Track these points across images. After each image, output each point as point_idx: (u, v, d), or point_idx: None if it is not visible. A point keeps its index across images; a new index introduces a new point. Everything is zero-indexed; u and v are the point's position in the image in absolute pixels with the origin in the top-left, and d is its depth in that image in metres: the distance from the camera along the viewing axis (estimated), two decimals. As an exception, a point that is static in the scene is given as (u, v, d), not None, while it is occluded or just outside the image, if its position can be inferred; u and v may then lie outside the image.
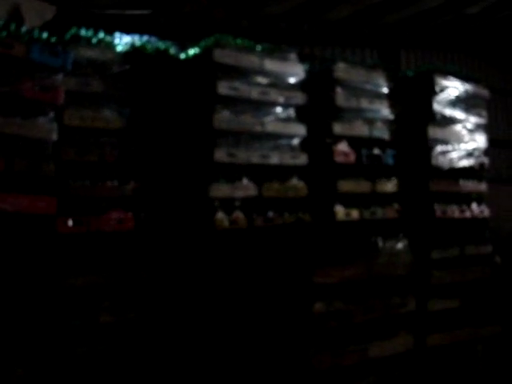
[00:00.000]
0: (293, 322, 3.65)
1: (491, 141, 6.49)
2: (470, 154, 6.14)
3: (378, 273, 3.87)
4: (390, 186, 5.58)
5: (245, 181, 4.72)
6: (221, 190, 4.56)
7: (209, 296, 4.39)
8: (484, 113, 6.32)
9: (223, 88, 4.62)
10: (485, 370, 5.10)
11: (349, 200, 5.25)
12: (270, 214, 4.73)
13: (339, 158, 5.22)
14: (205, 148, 4.58)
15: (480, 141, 6.24)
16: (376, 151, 5.55)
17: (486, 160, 6.34)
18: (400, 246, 4.00)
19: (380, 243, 3.96)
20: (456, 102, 6.00)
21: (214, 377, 4.19)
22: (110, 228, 4.42)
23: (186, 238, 4.61)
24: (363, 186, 5.37)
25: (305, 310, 3.59)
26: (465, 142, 6.08)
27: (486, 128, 6.42)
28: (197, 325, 4.39)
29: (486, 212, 6.22)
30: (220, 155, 4.55)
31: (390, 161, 5.63)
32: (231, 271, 4.22)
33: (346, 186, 5.23)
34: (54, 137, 4.22)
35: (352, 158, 5.32)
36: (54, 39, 4.32)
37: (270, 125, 4.85)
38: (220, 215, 4.53)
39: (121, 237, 4.47)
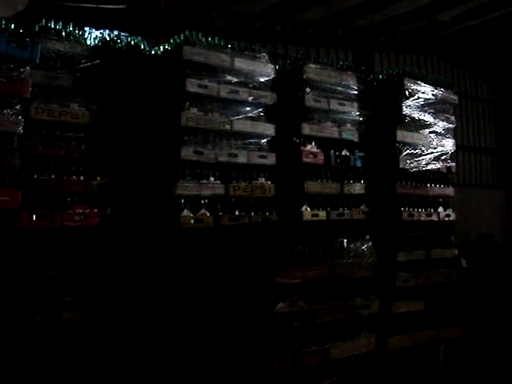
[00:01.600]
0: (254, 322, 3.66)
1: (461, 146, 6.58)
2: (437, 158, 6.19)
3: (341, 274, 3.89)
4: (357, 187, 5.62)
5: (212, 179, 4.71)
6: (187, 187, 4.56)
7: (172, 293, 4.38)
8: (452, 118, 6.39)
9: (192, 85, 4.61)
10: (446, 371, 5.16)
11: (316, 201, 5.28)
12: (237, 213, 4.74)
13: (307, 159, 5.24)
14: (172, 145, 4.57)
15: (448, 145, 6.31)
16: (345, 153, 5.59)
17: (453, 164, 6.40)
18: (365, 247, 4.03)
19: (344, 244, 3.97)
20: (425, 106, 6.05)
21: (174, 375, 4.18)
22: (74, 223, 4.39)
23: (151, 235, 4.59)
24: (331, 188, 5.40)
25: (267, 309, 3.59)
26: (433, 145, 6.14)
27: (455, 132, 6.49)
28: (159, 322, 4.38)
29: (453, 216, 6.28)
30: (187, 153, 4.54)
31: (358, 163, 5.67)
32: (195, 269, 4.22)
33: (313, 186, 5.26)
34: (20, 130, 4.18)
35: (320, 158, 5.35)
36: (22, 31, 4.28)
37: (239, 123, 4.85)
38: (186, 213, 4.53)
39: (85, 232, 4.44)
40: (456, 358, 5.33)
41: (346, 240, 4.05)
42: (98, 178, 4.55)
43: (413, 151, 5.96)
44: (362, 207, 5.62)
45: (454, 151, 6.43)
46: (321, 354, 3.78)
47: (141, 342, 4.42)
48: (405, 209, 5.79)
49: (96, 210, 4.49)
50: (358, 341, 4.01)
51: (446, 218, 6.23)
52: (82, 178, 4.49)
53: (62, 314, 4.25)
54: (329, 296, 3.89)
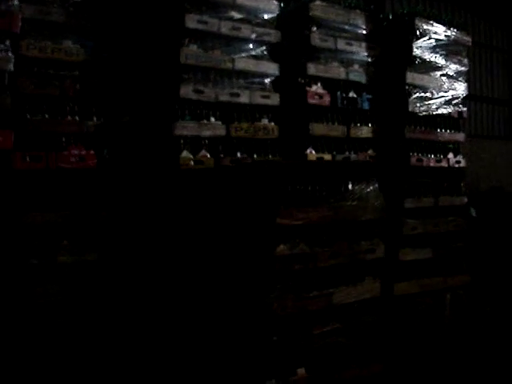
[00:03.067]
0: (254, 265, 3.52)
1: (473, 96, 6.33)
2: (448, 102, 5.96)
3: (345, 216, 3.72)
4: (364, 131, 5.43)
5: (212, 119, 4.53)
6: (187, 128, 4.38)
7: (170, 235, 4.25)
8: (465, 60, 6.13)
9: (191, 21, 4.39)
10: (452, 319, 5.05)
11: (321, 144, 5.10)
12: (238, 155, 4.58)
13: (313, 100, 5.04)
14: (171, 84, 4.37)
15: (460, 89, 6.07)
16: (352, 95, 5.38)
17: (464, 109, 6.17)
18: (370, 189, 3.85)
19: (349, 186, 3.80)
20: (437, 48, 5.80)
21: (170, 318, 4.08)
22: (70, 165, 4.24)
23: (149, 176, 4.44)
24: (337, 130, 5.21)
25: (267, 252, 3.44)
26: (444, 89, 5.91)
27: (467, 76, 6.23)
28: (157, 265, 4.26)
29: (463, 163, 6.09)
30: (186, 91, 4.35)
31: (365, 105, 5.47)
32: (194, 211, 4.07)
33: (318, 129, 5.07)
34: (11, 67, 4.00)
35: (326, 100, 5.14)
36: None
37: (241, 62, 4.64)
38: (185, 154, 4.36)
39: (82, 175, 4.29)
40: (463, 306, 5.21)
41: (351, 182, 3.86)
42: (94, 119, 4.38)
43: (423, 94, 5.74)
44: (369, 151, 5.43)
45: (466, 96, 6.20)
46: (323, 299, 3.65)
47: (138, 286, 4.31)
48: (413, 154, 5.60)
49: (92, 152, 4.33)
50: (362, 286, 3.87)
51: (456, 165, 6.04)
52: (77, 118, 4.31)
53: (58, 257, 4.14)
54: (332, 239, 3.73)
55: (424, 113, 5.71)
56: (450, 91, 5.97)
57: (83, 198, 4.30)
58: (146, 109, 4.51)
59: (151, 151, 4.49)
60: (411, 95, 5.62)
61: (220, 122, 4.55)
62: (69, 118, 4.26)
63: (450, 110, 5.98)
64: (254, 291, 3.55)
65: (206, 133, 4.46)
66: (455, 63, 6.00)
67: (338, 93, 5.26)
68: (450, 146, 6.02)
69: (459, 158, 6.07)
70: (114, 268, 4.31)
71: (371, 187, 3.93)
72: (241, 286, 3.64)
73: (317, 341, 3.67)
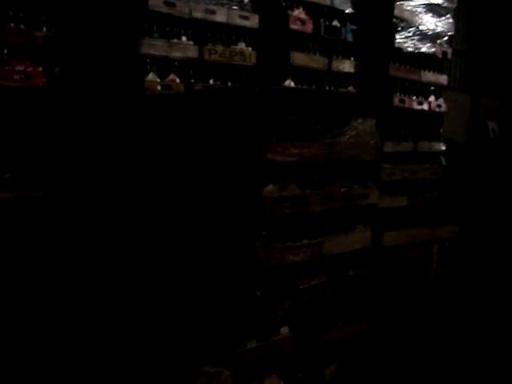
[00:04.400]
0: (238, 208, 2.99)
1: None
2: (434, 40, 5.49)
3: (341, 155, 3.22)
4: (347, 64, 4.92)
5: (184, 39, 3.91)
6: (155, 46, 3.75)
7: (134, 175, 3.66)
8: (453, -3, 5.64)
9: None
10: (438, 271, 4.72)
11: (301, 76, 4.56)
12: (211, 81, 3.99)
13: (294, 26, 4.47)
14: (137, -7, 3.71)
15: (446, 27, 5.60)
16: (335, 23, 4.83)
17: (450, 50, 5.72)
18: (368, 126, 3.36)
19: (344, 120, 3.29)
20: (426, -22, 5.28)
21: (138, 268, 3.55)
22: (13, 83, 3.58)
23: (108, 102, 3.81)
24: (318, 62, 4.68)
25: (253, 192, 2.91)
26: (431, 26, 5.42)
27: (455, 14, 5.76)
28: (119, 210, 3.70)
29: (444, 107, 5.67)
30: (156, 2, 3.71)
31: (349, 37, 4.94)
32: (163, 145, 3.48)
33: (299, 58, 4.53)
34: None
35: (309, 27, 4.58)
36: None
37: (219, -27, 4.00)
38: (151, 77, 3.75)
39: (27, 95, 3.62)
40: (449, 258, 4.87)
41: (344, 115, 3.35)
42: (44, 29, 3.72)
43: (409, 29, 5.23)
44: (349, 88, 4.94)
45: (452, 34, 5.74)
46: (312, 248, 3.17)
47: (94, 232, 3.75)
48: (396, 93, 5.13)
49: (41, 69, 3.68)
50: (353, 235, 3.41)
51: (437, 109, 5.61)
52: (22, 26, 3.62)
53: (-2, 193, 3.51)
54: (324, 180, 3.23)
55: (409, 49, 5.21)
56: (438, 28, 5.49)
57: (29, 123, 3.66)
58: (106, 21, 3.85)
59: (111, 72, 3.85)
60: (397, 29, 5.10)
61: (192, 43, 3.94)
62: (12, 25, 3.57)
63: (434, 49, 5.51)
64: (236, 238, 3.02)
65: (177, 54, 3.85)
66: (444, -1, 5.51)
67: (321, 20, 4.70)
68: (432, 88, 5.58)
69: (440, 101, 5.64)
70: (64, 208, 3.72)
71: (368, 124, 3.43)
72: (221, 231, 3.10)
73: (302, 296, 3.21)
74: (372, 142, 3.45)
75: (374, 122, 3.51)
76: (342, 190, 3.34)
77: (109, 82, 3.85)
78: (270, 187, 2.95)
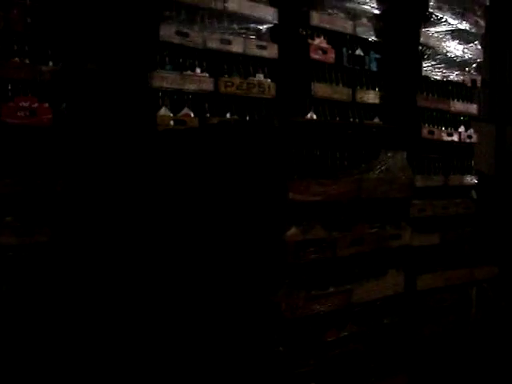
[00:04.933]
0: (258, 255, 2.70)
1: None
2: (463, 68, 5.22)
3: (370, 192, 2.94)
4: (372, 95, 4.65)
5: (198, 71, 3.67)
6: (167, 79, 3.52)
7: (146, 215, 3.40)
8: (482, 22, 5.38)
9: None
10: (478, 316, 4.36)
11: (323, 107, 4.30)
12: (228, 115, 3.75)
13: (316, 55, 4.23)
14: (149, 22, 3.50)
15: (475, 54, 5.33)
16: (359, 52, 4.59)
17: (479, 77, 5.45)
18: (398, 159, 3.08)
19: (372, 154, 3.01)
20: (453, 4, 5.03)
21: (145, 315, 3.26)
22: (17, 120, 3.35)
23: (118, 139, 3.58)
24: (342, 93, 4.42)
25: (275, 237, 2.63)
26: (459, 53, 5.15)
27: (483, 39, 5.50)
28: (130, 252, 3.43)
29: (474, 138, 5.37)
30: (168, 33, 3.48)
31: (373, 66, 4.68)
32: (177, 183, 3.22)
33: (321, 89, 4.27)
34: None
35: (331, 56, 4.34)
36: None
37: (234, 2, 3.77)
38: (164, 111, 3.51)
39: (32, 133, 3.40)
40: (489, 301, 4.52)
41: (374, 148, 3.07)
42: (50, 63, 3.50)
43: (436, 56, 4.97)
44: (375, 119, 4.67)
45: (481, 62, 5.47)
46: (340, 296, 2.87)
47: (105, 277, 3.47)
48: (424, 124, 4.85)
49: (47, 105, 3.46)
50: (385, 280, 3.10)
51: (468, 140, 5.32)
52: (27, 60, 3.42)
53: (-1, 238, 3.26)
54: (353, 221, 2.94)
55: (437, 77, 4.95)
56: (466, 55, 5.23)
57: (34, 163, 3.43)
58: (116, 54, 3.64)
59: (121, 107, 3.62)
60: (424, 57, 4.85)
61: (207, 75, 3.71)
62: (16, 59, 3.37)
63: (462, 77, 5.24)
64: (256, 287, 2.73)
65: (190, 86, 3.61)
66: (472, 24, 5.25)
67: (344, 49, 4.46)
68: (462, 118, 5.29)
69: (470, 132, 5.35)
70: (71, 252, 3.45)
71: (399, 157, 3.14)
72: (239, 280, 2.81)
73: (331, 349, 2.89)
74: (403, 177, 3.17)
75: (405, 155, 3.23)
76: (372, 230, 3.03)
77: (119, 117, 3.62)
78: (293, 230, 2.67)
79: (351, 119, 4.49)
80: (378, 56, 4.72)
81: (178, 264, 3.13)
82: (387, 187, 3.06)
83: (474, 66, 5.37)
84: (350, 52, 4.50)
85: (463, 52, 5.21)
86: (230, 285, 2.84)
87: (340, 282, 2.91)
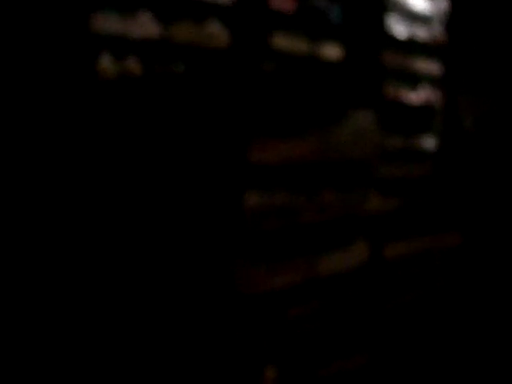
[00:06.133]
0: (214, 222, 2.37)
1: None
2: (428, 26, 4.95)
3: (338, 153, 2.64)
4: (333, 50, 4.30)
5: (143, 15, 3.26)
6: (108, 23, 3.09)
7: (83, 179, 3.00)
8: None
9: None
10: (445, 284, 4.16)
11: (283, 60, 3.95)
12: (178, 65, 3.36)
13: (275, 4, 3.85)
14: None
15: (441, 10, 5.06)
16: (321, 3, 4.22)
17: (444, 35, 5.18)
18: (368, 120, 2.78)
19: (343, 112, 2.70)
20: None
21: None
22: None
23: (54, 89, 3.14)
24: (301, 46, 4.06)
25: (233, 203, 2.31)
26: (425, 9, 4.87)
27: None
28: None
29: (439, 99, 5.13)
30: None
31: (336, 18, 4.33)
32: (120, 143, 2.84)
33: (280, 42, 3.90)
34: None
35: (291, 5, 3.96)
36: None
37: None
38: (105, 60, 3.09)
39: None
40: (454, 268, 4.32)
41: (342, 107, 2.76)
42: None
43: (399, 11, 4.68)
44: (338, 76, 4.33)
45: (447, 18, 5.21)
46: (304, 268, 2.57)
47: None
48: (388, 84, 4.57)
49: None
50: (352, 250, 2.83)
51: (431, 101, 5.08)
52: None
53: None
54: (318, 185, 2.63)
55: (402, 35, 4.66)
56: (430, 12, 4.96)
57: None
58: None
59: (53, 53, 3.18)
60: (388, 12, 4.54)
61: (154, 20, 3.30)
62: None
63: (429, 36, 4.97)
64: (211, 259, 2.40)
65: (135, 32, 3.20)
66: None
67: (305, -2, 4.10)
68: (426, 78, 5.04)
69: (434, 92, 5.10)
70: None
71: (367, 117, 2.84)
72: (193, 250, 2.47)
73: (292, 327, 2.60)
74: (372, 137, 2.86)
75: (373, 114, 2.93)
76: (339, 196, 2.74)
77: (49, 65, 3.18)
78: (254, 196, 2.33)
79: (312, 74, 4.16)
80: (340, 8, 4.38)
81: (127, 232, 2.77)
82: (357, 149, 2.76)
83: (439, 22, 5.10)
84: (311, 2, 4.14)
85: (426, 8, 4.93)
86: (184, 256, 2.50)
87: (304, 252, 2.61)
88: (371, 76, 4.44)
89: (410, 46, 4.81)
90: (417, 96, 4.95)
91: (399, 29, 4.66)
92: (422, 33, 4.89)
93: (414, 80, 4.94)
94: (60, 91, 3.07)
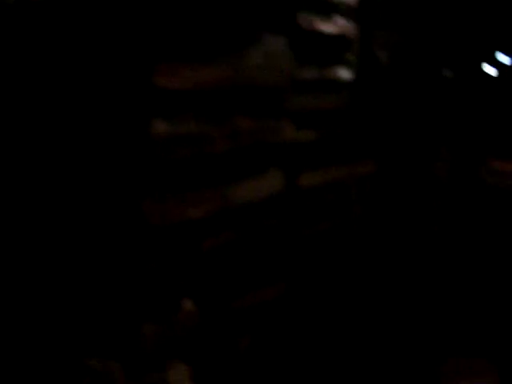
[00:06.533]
0: (119, 152, 2.26)
1: None
2: None
3: (249, 79, 2.56)
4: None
5: None
6: None
7: None
8: None
9: None
10: (360, 216, 4.22)
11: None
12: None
13: None
14: None
15: None
16: None
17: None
18: (280, 45, 2.70)
19: (253, 38, 2.60)
20: None
21: None
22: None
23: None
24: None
25: (137, 130, 2.20)
26: None
27: None
28: None
29: (352, 29, 5.08)
30: None
31: None
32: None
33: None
34: None
35: None
36: None
37: None
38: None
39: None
40: (369, 199, 4.38)
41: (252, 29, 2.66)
42: None
43: None
44: None
45: None
46: (217, 198, 2.52)
47: None
48: (301, 11, 4.46)
49: None
50: (265, 179, 2.79)
51: (345, 30, 5.01)
52: None
53: None
54: (229, 112, 2.55)
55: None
56: None
57: None
58: None
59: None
60: None
61: None
62: None
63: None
64: (118, 189, 2.30)
65: None
66: None
67: None
68: (342, 9, 4.95)
69: (348, 22, 5.04)
70: None
71: (280, 43, 2.76)
72: (98, 180, 2.37)
73: (207, 259, 2.56)
74: (284, 65, 2.80)
75: (286, 41, 2.85)
76: (251, 123, 2.67)
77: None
78: (160, 124, 2.23)
79: None
80: None
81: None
82: (268, 75, 2.68)
83: None
84: None
85: None
86: (88, 188, 2.39)
87: (216, 182, 2.54)
88: (283, 1, 4.33)
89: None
90: (332, 26, 4.87)
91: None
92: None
93: (329, 9, 4.85)
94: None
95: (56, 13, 2.35)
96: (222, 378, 2.66)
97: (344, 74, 5.05)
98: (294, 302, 3.08)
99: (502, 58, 6.54)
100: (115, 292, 2.32)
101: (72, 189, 2.38)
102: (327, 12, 4.82)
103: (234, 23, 2.59)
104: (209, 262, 2.57)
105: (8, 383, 2.36)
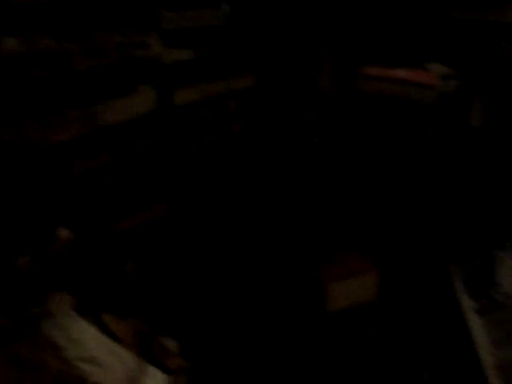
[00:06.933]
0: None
1: None
2: None
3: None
4: None
5: None
6: None
7: None
8: None
9: None
10: (239, 128, 4.15)
11: None
12: None
13: None
14: None
15: None
16: None
17: None
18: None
19: None
20: None
21: None
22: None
23: None
24: None
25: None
26: None
27: None
28: None
29: None
30: None
31: None
32: None
33: None
34: None
35: None
36: None
37: None
38: None
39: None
40: (247, 113, 4.31)
41: None
42: None
43: None
44: None
45: None
46: (87, 119, 2.38)
47: None
48: None
49: None
50: (136, 97, 2.66)
51: None
52: None
53: None
54: (89, 28, 2.38)
55: None
56: None
57: None
58: None
59: None
60: None
61: None
62: None
63: None
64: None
65: None
66: None
67: None
68: None
69: None
70: None
71: None
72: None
73: (81, 183, 2.45)
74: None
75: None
76: (115, 38, 2.52)
77: None
78: (10, 41, 2.05)
79: None
80: None
81: None
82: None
83: None
84: None
85: None
86: None
87: (82, 103, 2.40)
88: None
89: None
90: None
91: None
92: None
93: None
94: None
95: None
96: (110, 303, 2.60)
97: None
98: (175, 221, 3.03)
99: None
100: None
101: None
102: None
103: None
104: (83, 187, 2.46)
105: None
